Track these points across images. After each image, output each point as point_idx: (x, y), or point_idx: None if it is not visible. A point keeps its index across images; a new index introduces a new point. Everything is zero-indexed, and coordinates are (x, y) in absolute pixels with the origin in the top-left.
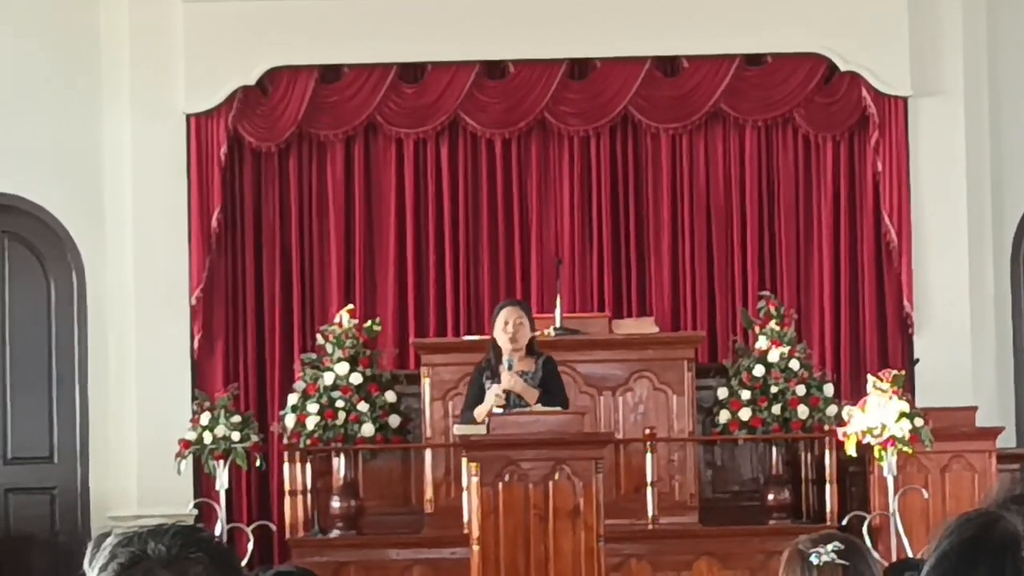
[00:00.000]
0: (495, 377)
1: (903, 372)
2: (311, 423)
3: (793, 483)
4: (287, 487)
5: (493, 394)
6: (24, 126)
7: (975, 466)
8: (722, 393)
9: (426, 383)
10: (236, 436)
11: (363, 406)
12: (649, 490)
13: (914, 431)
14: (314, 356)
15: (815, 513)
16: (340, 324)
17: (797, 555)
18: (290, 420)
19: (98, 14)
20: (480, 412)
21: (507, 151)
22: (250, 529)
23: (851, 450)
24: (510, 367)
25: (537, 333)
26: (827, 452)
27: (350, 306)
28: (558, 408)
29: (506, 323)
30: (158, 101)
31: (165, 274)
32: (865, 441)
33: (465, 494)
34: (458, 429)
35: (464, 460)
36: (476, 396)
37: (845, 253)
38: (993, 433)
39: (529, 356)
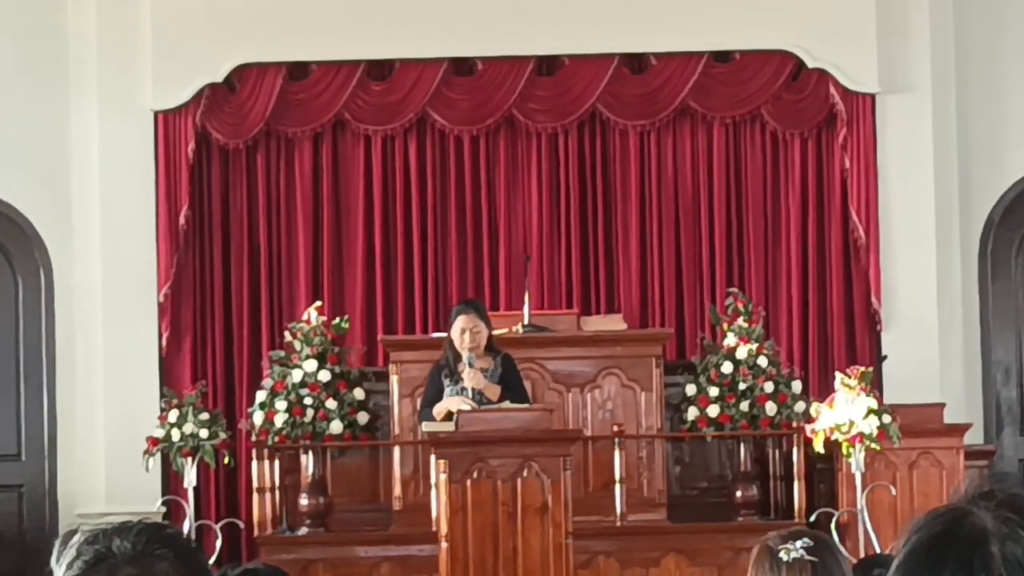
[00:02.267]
0: (453, 375)
1: (871, 369)
2: (279, 420)
3: (761, 480)
4: (255, 484)
5: (459, 401)
6: None
7: (943, 463)
8: (690, 390)
9: (394, 380)
10: (204, 433)
11: (331, 403)
12: (617, 487)
13: (882, 428)
14: (282, 353)
15: (783, 510)
16: (308, 321)
17: (766, 551)
18: (258, 417)
19: (66, 11)
20: (439, 411)
21: (475, 148)
22: (218, 526)
23: (819, 447)
24: (470, 364)
25: (503, 331)
26: (795, 449)
27: (318, 303)
28: (526, 405)
29: (462, 331)
30: (126, 98)
31: (133, 271)
32: (833, 438)
33: (433, 491)
34: (426, 426)
35: (432, 457)
36: (434, 395)
37: (813, 250)
38: (961, 430)
39: (487, 353)
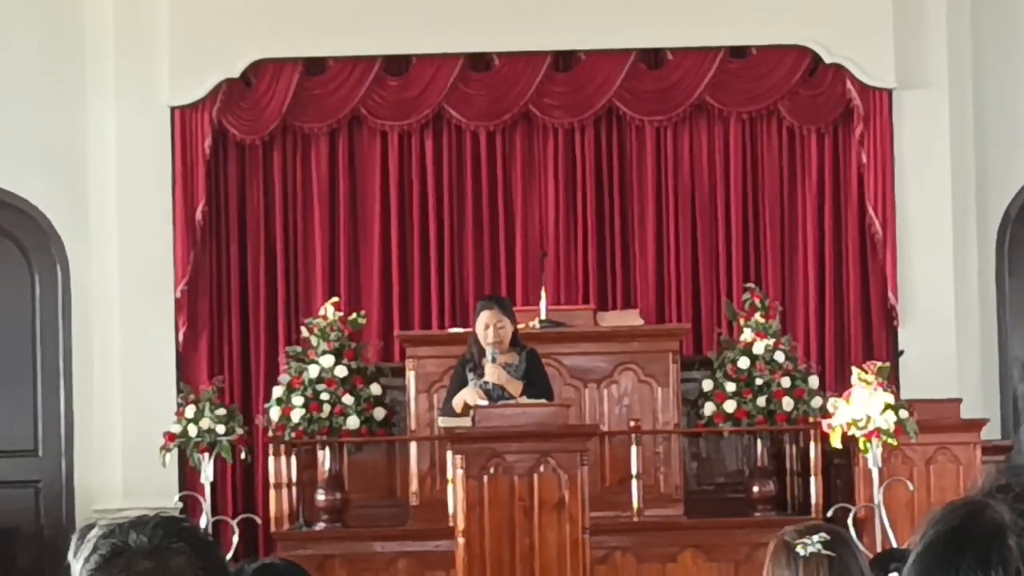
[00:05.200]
0: (478, 370)
1: (888, 364)
2: (296, 416)
3: (778, 475)
4: (272, 480)
5: (472, 391)
6: (8, 119)
7: (960, 458)
8: (707, 385)
9: (411, 376)
10: (221, 429)
11: (348, 399)
12: (634, 482)
13: (899, 423)
14: (299, 349)
15: (800, 505)
16: (325, 317)
17: (783, 546)
18: (275, 413)
19: (83, 8)
20: (457, 403)
21: (492, 144)
22: (235, 522)
23: (836, 442)
24: (493, 360)
25: (522, 325)
26: (812, 444)
27: (335, 299)
28: (543, 400)
29: (486, 327)
30: (142, 94)
31: (150, 267)
32: (850, 433)
33: (450, 487)
34: (443, 422)
35: (449, 453)
36: (458, 388)
37: (830, 245)
38: (978, 425)
39: (512, 348)
